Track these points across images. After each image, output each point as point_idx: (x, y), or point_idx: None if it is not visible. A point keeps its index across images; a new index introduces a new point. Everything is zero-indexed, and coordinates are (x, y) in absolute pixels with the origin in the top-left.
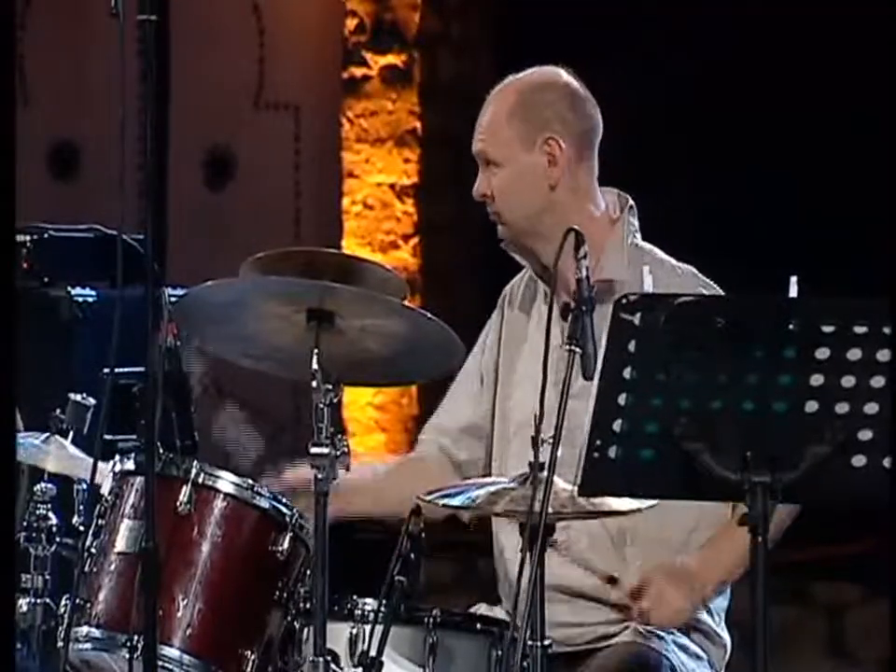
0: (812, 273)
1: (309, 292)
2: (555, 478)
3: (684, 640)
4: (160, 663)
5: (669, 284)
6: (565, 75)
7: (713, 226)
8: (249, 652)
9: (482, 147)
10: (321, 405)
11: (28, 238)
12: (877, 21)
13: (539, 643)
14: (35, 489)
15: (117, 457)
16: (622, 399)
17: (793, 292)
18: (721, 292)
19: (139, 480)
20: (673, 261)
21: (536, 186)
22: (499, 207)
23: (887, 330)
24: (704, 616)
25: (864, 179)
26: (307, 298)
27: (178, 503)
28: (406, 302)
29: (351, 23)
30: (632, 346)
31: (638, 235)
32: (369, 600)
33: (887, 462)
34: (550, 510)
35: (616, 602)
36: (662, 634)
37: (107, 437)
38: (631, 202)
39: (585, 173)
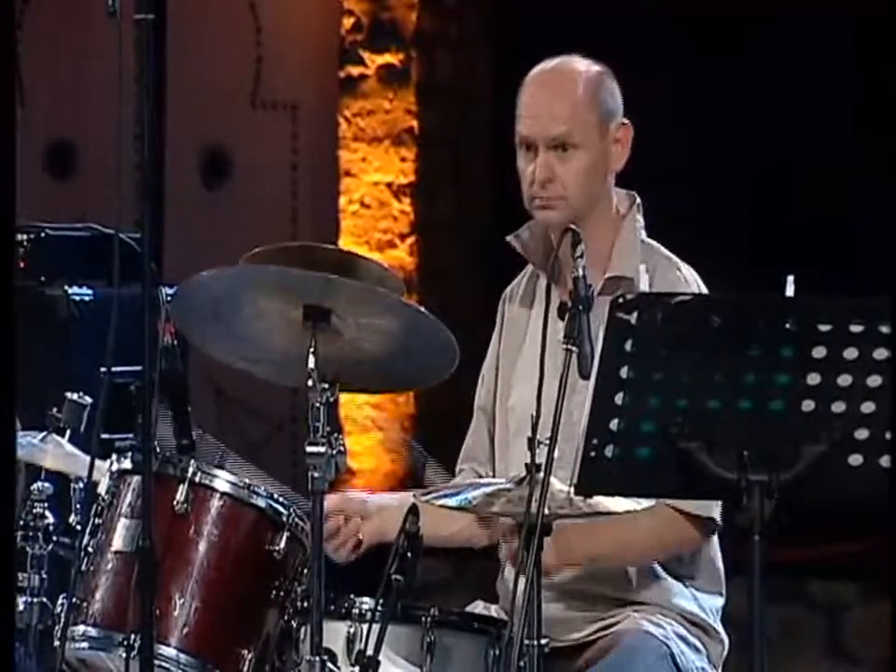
0: (811, 273)
1: (306, 286)
2: (552, 479)
3: (683, 631)
4: (156, 662)
5: (672, 280)
6: None
7: (713, 226)
8: (246, 651)
9: (564, 129)
10: (317, 404)
11: (25, 237)
12: (878, 20)
13: (535, 642)
14: (31, 488)
15: (114, 456)
16: (619, 399)
17: (790, 291)
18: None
19: (136, 479)
20: (677, 260)
21: (603, 171)
22: (568, 189)
23: (883, 329)
24: (696, 611)
25: (864, 179)
26: (304, 292)
27: (175, 502)
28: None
29: (348, 22)
30: (629, 345)
31: (644, 233)
32: (366, 599)
33: (884, 461)
34: (546, 510)
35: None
36: (661, 623)
37: (104, 436)
38: (638, 199)
39: None
